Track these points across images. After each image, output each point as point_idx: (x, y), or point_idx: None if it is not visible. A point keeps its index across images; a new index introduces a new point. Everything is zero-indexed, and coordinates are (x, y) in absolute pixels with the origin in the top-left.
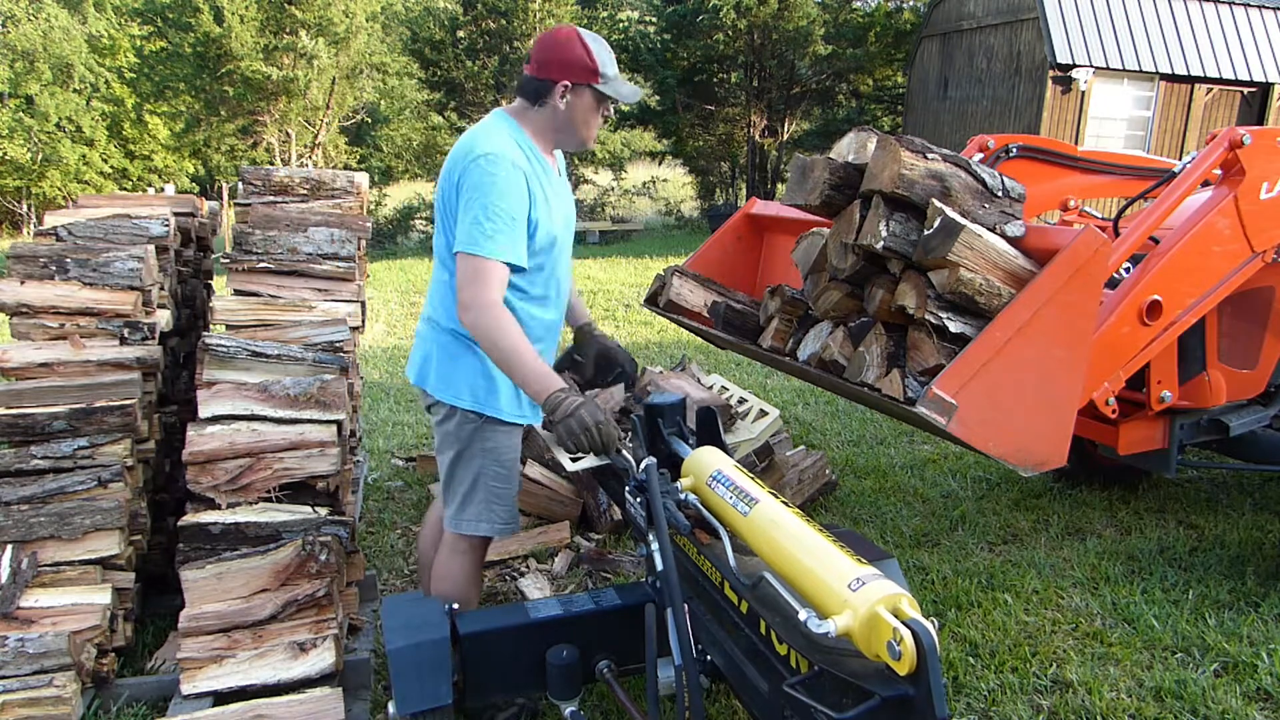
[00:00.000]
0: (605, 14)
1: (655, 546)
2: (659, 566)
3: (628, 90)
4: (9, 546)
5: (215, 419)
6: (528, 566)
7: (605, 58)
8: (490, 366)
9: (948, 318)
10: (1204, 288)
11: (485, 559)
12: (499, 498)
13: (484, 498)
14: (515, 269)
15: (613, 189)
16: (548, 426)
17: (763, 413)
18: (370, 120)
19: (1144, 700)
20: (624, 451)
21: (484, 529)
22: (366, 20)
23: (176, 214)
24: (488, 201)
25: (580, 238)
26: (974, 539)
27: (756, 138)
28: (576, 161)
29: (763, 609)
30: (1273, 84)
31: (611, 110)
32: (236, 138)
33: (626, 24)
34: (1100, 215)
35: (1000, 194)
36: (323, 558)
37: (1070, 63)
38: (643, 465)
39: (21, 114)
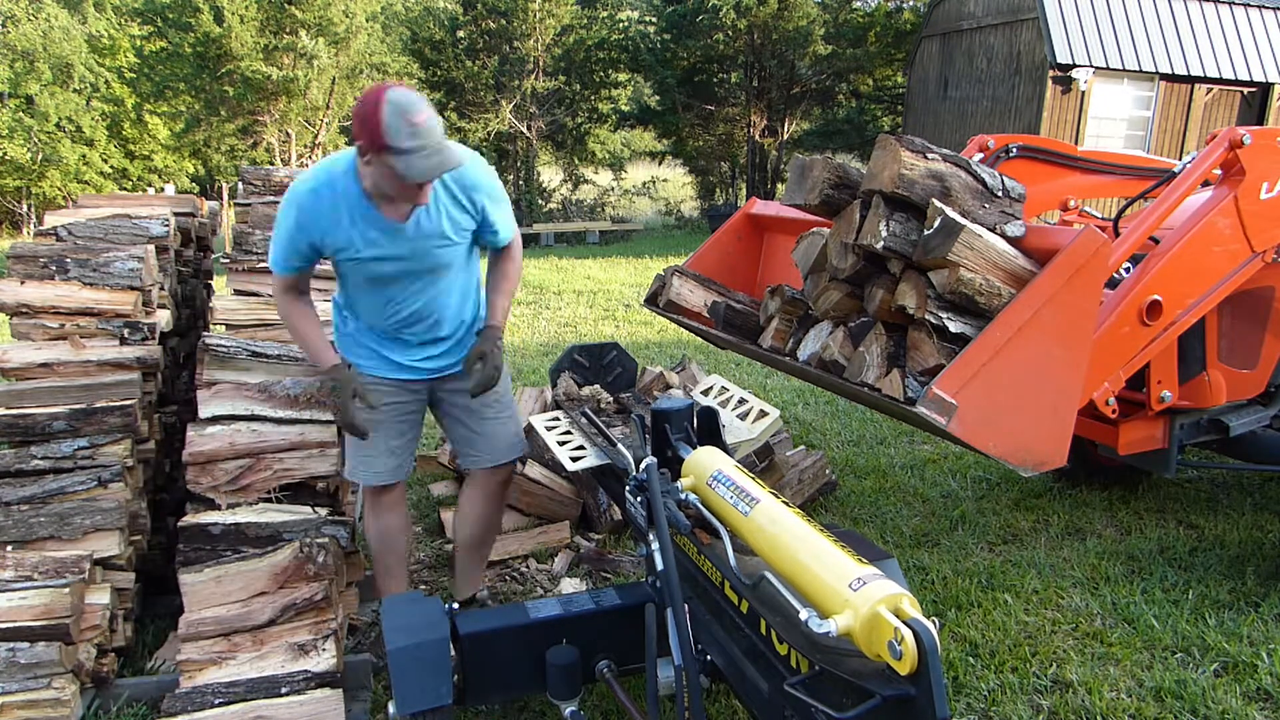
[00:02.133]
0: (605, 14)
1: (655, 546)
2: (659, 566)
3: (419, 168)
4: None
5: (215, 419)
6: (528, 566)
7: (399, 129)
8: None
9: (948, 318)
10: (1204, 288)
11: (380, 504)
12: (357, 446)
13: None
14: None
15: (613, 189)
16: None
17: (763, 413)
18: None
19: (1144, 700)
20: (623, 450)
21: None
22: (366, 20)
23: (176, 214)
24: (275, 220)
25: (580, 237)
26: (974, 539)
27: (756, 138)
28: (576, 161)
29: (763, 609)
30: (1273, 84)
31: (424, 184)
32: (236, 138)
33: (626, 24)
34: (1100, 215)
35: (1000, 194)
36: (320, 560)
37: (1070, 63)
38: (643, 465)
39: (21, 114)
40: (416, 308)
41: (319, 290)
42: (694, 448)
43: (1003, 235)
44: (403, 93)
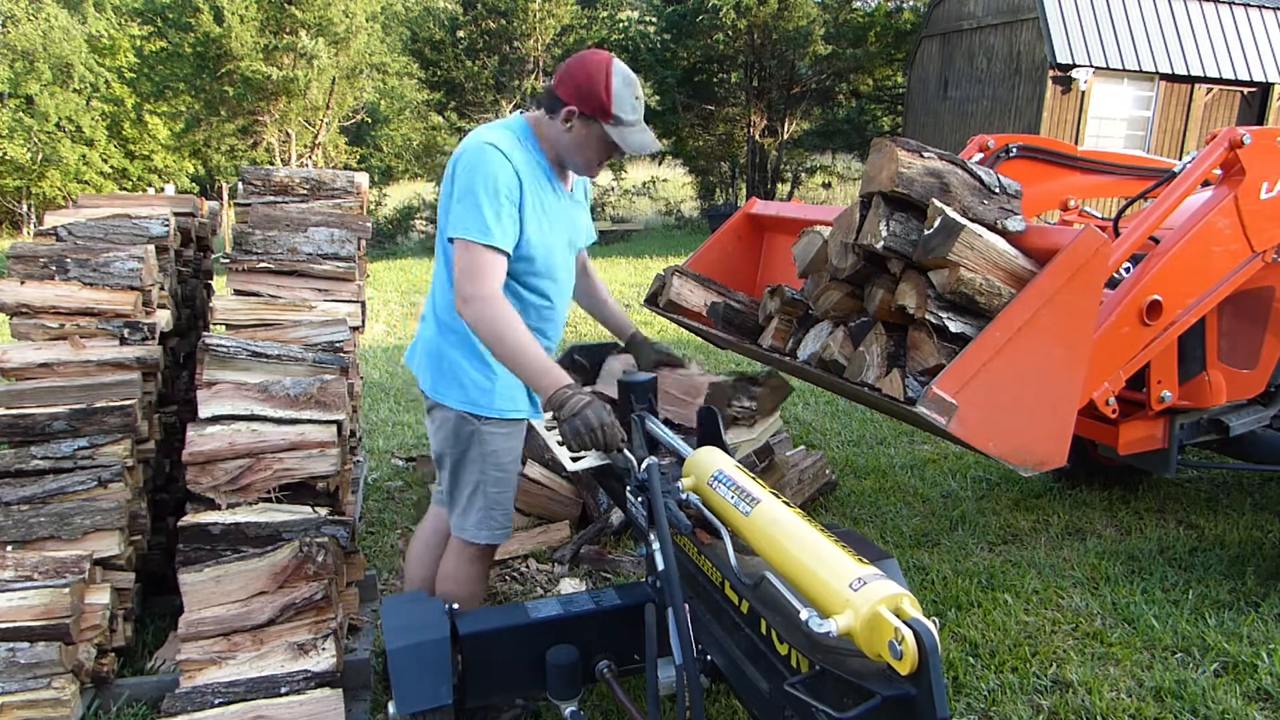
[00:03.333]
0: (605, 14)
1: (656, 546)
2: (659, 566)
3: (635, 141)
4: None
5: (215, 419)
6: (528, 566)
7: (626, 100)
8: (483, 363)
9: (948, 318)
10: (1204, 288)
11: (492, 563)
12: (497, 504)
13: (483, 505)
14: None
15: (613, 189)
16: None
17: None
18: (370, 120)
19: (1144, 700)
20: (625, 451)
21: (484, 537)
22: (366, 20)
23: (176, 214)
24: (480, 186)
25: None
26: (974, 539)
27: (756, 137)
28: None
29: (764, 609)
30: (1273, 84)
31: (619, 155)
32: (236, 138)
33: (626, 24)
34: (1100, 215)
35: (998, 190)
36: (320, 559)
37: (1070, 63)
38: (644, 465)
39: (21, 114)
40: (563, 304)
41: (319, 290)
42: (656, 415)
43: (1004, 231)
44: (624, 65)
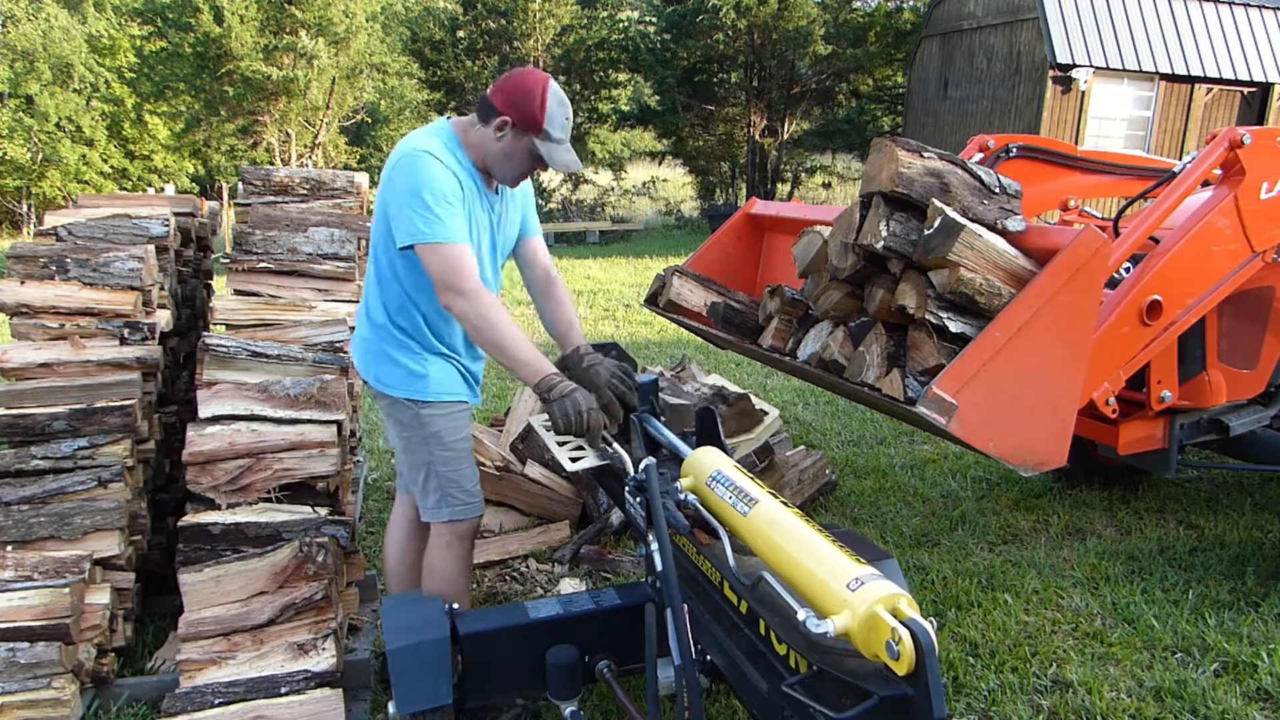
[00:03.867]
0: (605, 14)
1: (655, 547)
2: (659, 566)
3: (561, 159)
4: None
5: (215, 419)
6: (528, 566)
7: (557, 118)
8: (417, 353)
9: (948, 318)
10: (1204, 288)
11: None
12: (452, 481)
13: (438, 484)
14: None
15: (613, 189)
16: (549, 426)
17: (763, 412)
18: (370, 120)
19: (1144, 700)
20: (614, 445)
21: (445, 514)
22: (366, 20)
23: (176, 214)
24: (427, 192)
25: (580, 237)
26: (974, 539)
27: (756, 138)
28: None
29: (762, 609)
30: (1273, 84)
31: (542, 169)
32: (236, 138)
33: (626, 24)
34: (1100, 215)
35: (998, 190)
36: (320, 559)
37: (1070, 63)
38: (642, 465)
39: (21, 114)
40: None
41: (319, 290)
42: (657, 417)
43: (1004, 230)
44: (559, 88)
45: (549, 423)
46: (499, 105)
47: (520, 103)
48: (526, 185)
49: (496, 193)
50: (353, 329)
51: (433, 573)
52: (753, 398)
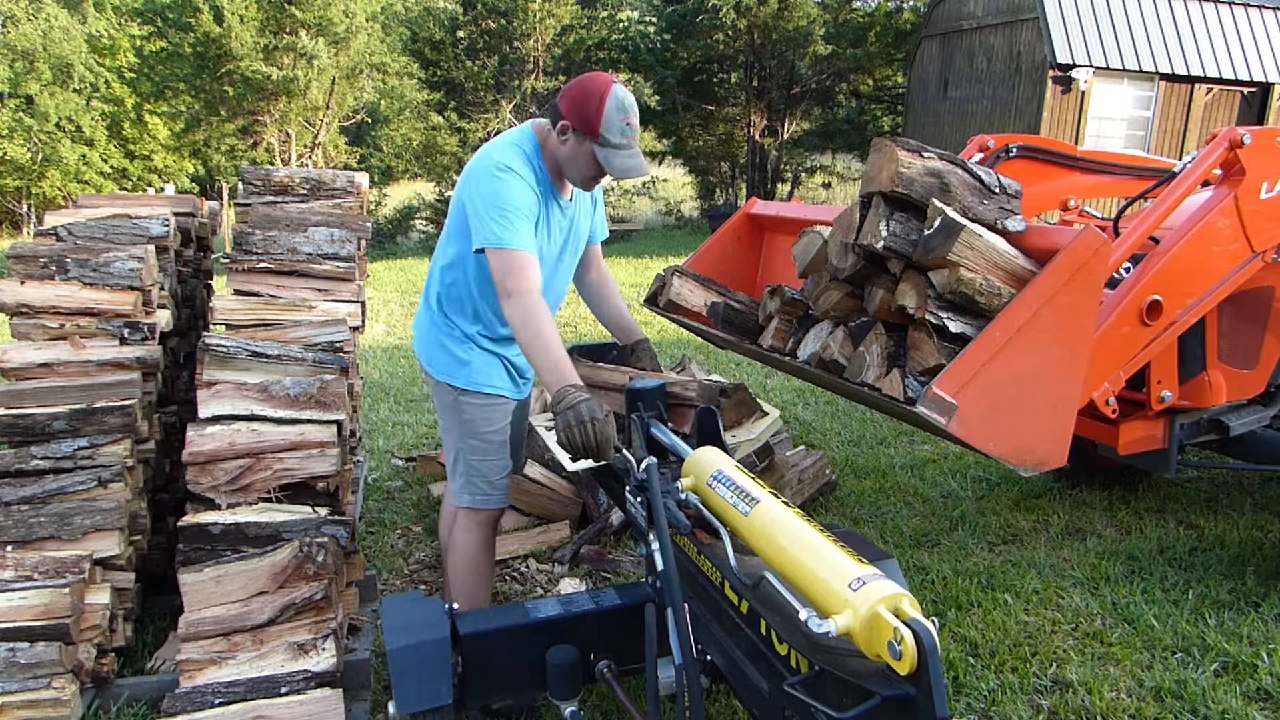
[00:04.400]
0: (605, 14)
1: (655, 546)
2: (659, 566)
3: (620, 165)
4: None
5: (215, 419)
6: (528, 566)
7: (614, 124)
8: (461, 343)
9: (948, 318)
10: (1204, 288)
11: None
12: (477, 471)
13: (464, 470)
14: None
15: (613, 189)
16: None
17: (763, 413)
18: (370, 120)
19: (1144, 700)
20: (624, 452)
21: (465, 500)
22: (366, 20)
23: (176, 214)
24: (503, 201)
25: None
26: (974, 539)
27: (756, 138)
28: None
29: (763, 609)
30: (1273, 84)
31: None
32: (236, 138)
33: (626, 24)
34: (1100, 215)
35: (998, 190)
36: (320, 559)
37: (1070, 63)
38: (643, 465)
39: (21, 114)
40: (552, 299)
41: (319, 290)
42: (665, 423)
43: (1004, 230)
44: (626, 91)
45: (550, 422)
46: (563, 109)
47: (580, 107)
48: (598, 189)
49: (571, 199)
50: (353, 329)
51: (454, 546)
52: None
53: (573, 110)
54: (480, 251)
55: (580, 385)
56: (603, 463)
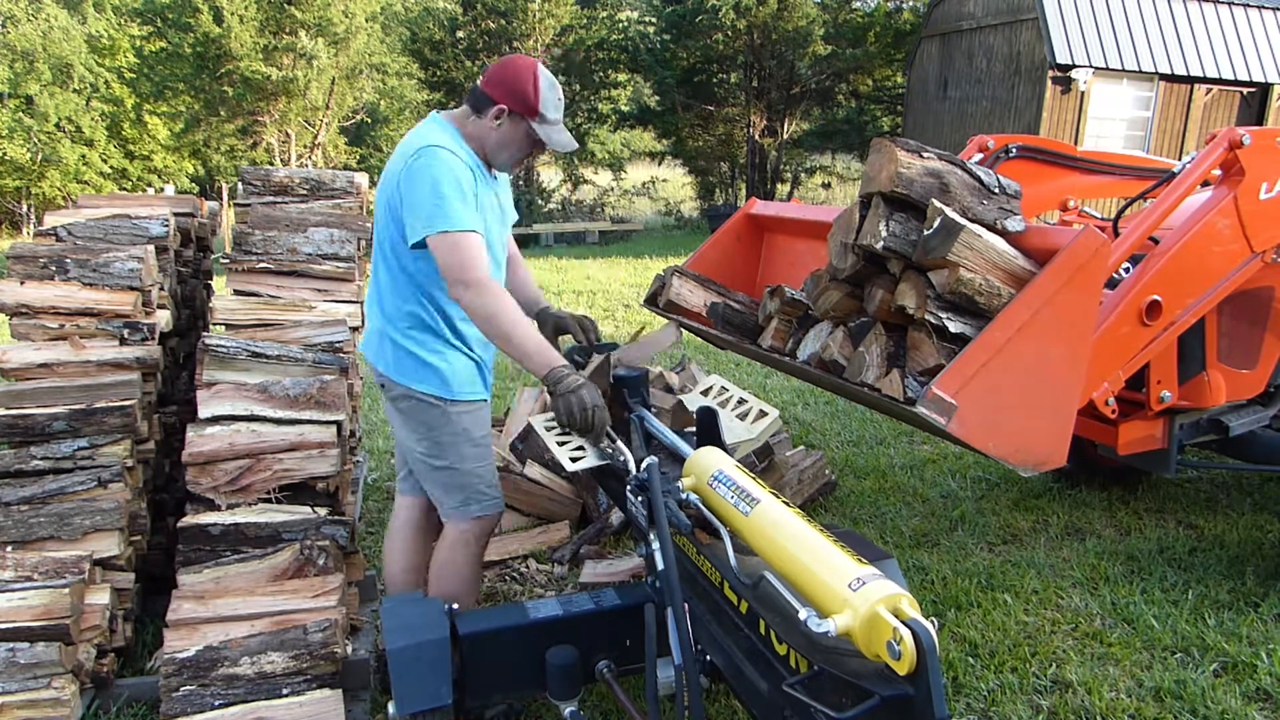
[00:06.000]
0: (605, 14)
1: (655, 546)
2: (659, 566)
3: (558, 139)
4: None
5: (215, 419)
6: (528, 566)
7: (551, 101)
8: (438, 350)
9: (948, 318)
10: (1204, 288)
11: (485, 545)
12: (478, 475)
13: (465, 482)
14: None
15: (612, 189)
16: (551, 426)
17: (762, 413)
18: (370, 120)
19: (1144, 700)
20: (617, 442)
21: (474, 510)
22: (366, 20)
23: (176, 214)
24: (437, 183)
25: (580, 238)
26: (974, 539)
27: (756, 138)
28: (576, 161)
29: (763, 609)
30: (1272, 84)
31: (540, 152)
32: (236, 138)
33: (626, 24)
34: (1100, 215)
35: (997, 190)
36: (321, 562)
37: (1070, 63)
38: (644, 464)
39: (21, 114)
40: (500, 281)
41: (319, 290)
42: (649, 409)
43: (1003, 231)
44: (546, 69)
45: (549, 422)
46: (493, 94)
47: (515, 89)
48: (504, 174)
49: (495, 175)
50: (353, 329)
51: (446, 573)
52: (752, 398)
53: (507, 93)
54: (420, 245)
55: (569, 365)
56: (597, 447)
